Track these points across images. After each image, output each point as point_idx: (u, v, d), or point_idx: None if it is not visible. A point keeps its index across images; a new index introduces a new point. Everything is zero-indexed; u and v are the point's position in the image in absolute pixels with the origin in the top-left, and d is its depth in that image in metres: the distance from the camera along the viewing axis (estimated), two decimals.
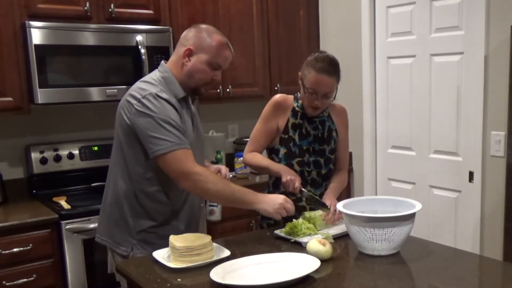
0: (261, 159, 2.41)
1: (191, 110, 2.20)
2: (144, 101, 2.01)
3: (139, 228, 2.15)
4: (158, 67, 2.18)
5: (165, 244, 1.99)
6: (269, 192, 2.48)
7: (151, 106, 2.00)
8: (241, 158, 3.52)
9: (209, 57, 2.10)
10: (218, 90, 3.57)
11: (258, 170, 2.51)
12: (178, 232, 2.09)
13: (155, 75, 2.15)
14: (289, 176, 2.24)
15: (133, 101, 2.04)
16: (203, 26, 2.16)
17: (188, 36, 2.13)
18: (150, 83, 2.09)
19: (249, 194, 2.08)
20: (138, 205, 2.14)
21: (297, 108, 2.38)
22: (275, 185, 2.43)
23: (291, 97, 2.43)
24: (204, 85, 2.15)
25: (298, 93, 2.37)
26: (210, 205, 2.35)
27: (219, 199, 2.13)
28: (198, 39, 2.10)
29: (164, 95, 2.04)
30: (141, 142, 2.03)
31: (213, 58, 2.10)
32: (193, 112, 2.22)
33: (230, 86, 3.62)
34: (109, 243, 2.22)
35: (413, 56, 3.42)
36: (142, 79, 2.16)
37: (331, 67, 2.23)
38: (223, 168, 2.40)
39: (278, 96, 2.42)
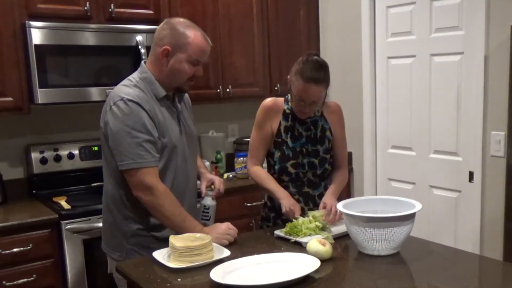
0: (264, 179, 2.37)
1: (176, 108, 2.16)
2: (114, 108, 1.99)
3: (131, 232, 2.11)
4: (138, 68, 2.14)
5: (162, 247, 1.98)
6: (268, 196, 2.48)
7: (120, 114, 1.97)
8: (241, 158, 3.55)
9: (187, 55, 2.04)
10: (218, 90, 3.57)
11: (260, 188, 2.46)
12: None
13: (133, 76, 2.11)
14: (289, 206, 2.22)
15: (106, 108, 2.02)
16: (175, 21, 2.08)
17: (162, 34, 2.06)
18: (126, 86, 2.05)
19: (198, 227, 2.05)
20: (126, 209, 2.10)
21: (287, 111, 2.36)
22: None
23: (281, 99, 2.41)
24: (187, 81, 2.11)
25: (289, 95, 2.35)
26: (202, 219, 2.27)
27: (170, 222, 2.04)
28: (173, 38, 2.03)
29: (136, 99, 1.99)
30: None
31: (192, 56, 2.04)
32: (180, 109, 2.18)
33: (230, 86, 3.62)
34: (106, 248, 2.20)
35: (413, 56, 3.42)
36: (122, 81, 2.11)
37: (319, 73, 2.17)
38: (217, 181, 2.32)
39: (268, 101, 2.40)
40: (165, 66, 2.06)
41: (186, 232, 2.01)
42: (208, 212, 2.27)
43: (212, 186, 2.31)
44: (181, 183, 2.16)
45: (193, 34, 2.04)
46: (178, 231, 2.04)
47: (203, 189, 2.29)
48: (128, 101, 1.98)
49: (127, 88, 2.04)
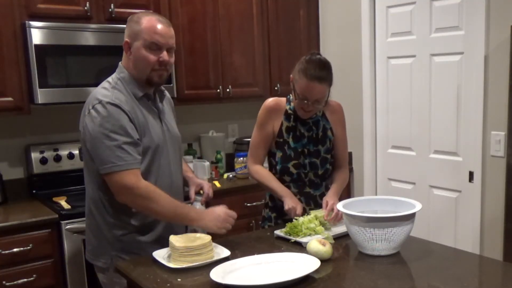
0: (265, 177, 2.37)
1: (158, 108, 2.12)
2: (92, 112, 1.94)
3: (115, 238, 2.06)
4: (116, 69, 2.11)
5: (147, 251, 1.97)
6: (270, 196, 2.48)
7: (98, 117, 1.92)
8: (241, 158, 3.55)
9: (142, 41, 1.97)
10: (218, 90, 3.57)
11: (261, 187, 2.45)
12: (161, 239, 2.05)
13: (112, 78, 2.08)
14: (291, 204, 2.23)
15: (85, 112, 1.99)
16: (135, 14, 2.05)
17: (125, 30, 2.05)
18: (105, 88, 2.02)
19: (192, 211, 2.02)
20: (108, 215, 2.05)
21: (289, 111, 2.36)
22: None
23: (283, 99, 2.41)
24: (153, 71, 2.01)
25: (291, 95, 2.35)
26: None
27: (161, 215, 2.01)
28: (129, 29, 2.01)
29: (115, 101, 1.95)
30: None
31: (146, 39, 1.97)
32: (161, 109, 2.13)
33: (230, 86, 3.62)
34: (90, 257, 2.14)
35: (413, 56, 3.42)
36: (102, 83, 2.08)
37: (323, 72, 2.18)
38: (206, 186, 2.29)
39: (270, 101, 2.40)
40: (131, 60, 2.03)
41: (182, 220, 2.01)
42: None
43: (201, 191, 2.28)
44: (164, 186, 2.08)
45: (146, 20, 1.99)
46: (173, 222, 2.03)
47: (192, 194, 2.26)
48: (107, 103, 1.93)
49: (105, 90, 2.00)
